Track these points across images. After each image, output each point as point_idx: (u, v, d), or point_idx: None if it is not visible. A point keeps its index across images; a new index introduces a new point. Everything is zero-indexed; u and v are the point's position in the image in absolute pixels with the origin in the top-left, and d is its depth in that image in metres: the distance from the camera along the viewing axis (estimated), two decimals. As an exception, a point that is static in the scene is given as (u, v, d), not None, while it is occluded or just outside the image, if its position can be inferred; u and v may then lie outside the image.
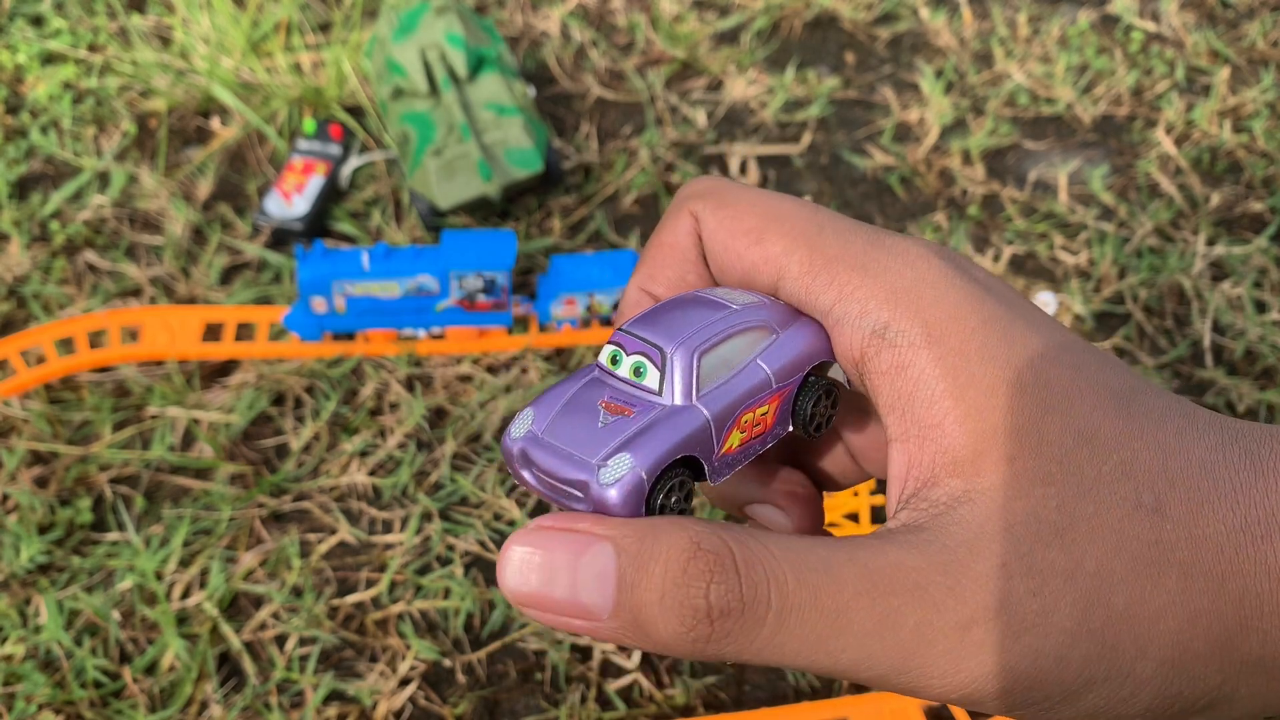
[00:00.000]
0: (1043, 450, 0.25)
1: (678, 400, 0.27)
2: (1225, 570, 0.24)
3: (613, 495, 0.26)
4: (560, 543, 0.25)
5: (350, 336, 0.96)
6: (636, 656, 0.78)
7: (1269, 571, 0.24)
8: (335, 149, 1.09)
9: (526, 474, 0.28)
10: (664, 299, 0.31)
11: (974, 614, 0.24)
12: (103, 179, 1.12)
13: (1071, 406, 0.26)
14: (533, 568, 0.25)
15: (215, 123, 1.16)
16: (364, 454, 0.90)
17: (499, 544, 0.84)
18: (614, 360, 0.28)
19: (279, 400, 0.93)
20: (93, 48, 1.25)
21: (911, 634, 0.24)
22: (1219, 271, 1.01)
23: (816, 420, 0.30)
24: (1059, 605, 0.24)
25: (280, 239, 1.04)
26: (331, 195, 1.07)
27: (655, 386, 0.27)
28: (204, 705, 0.77)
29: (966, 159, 1.11)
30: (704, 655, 0.24)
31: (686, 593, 0.24)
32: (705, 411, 0.27)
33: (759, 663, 0.24)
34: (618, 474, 0.26)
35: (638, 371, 0.28)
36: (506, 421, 0.91)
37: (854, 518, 0.83)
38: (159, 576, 0.83)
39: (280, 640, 0.80)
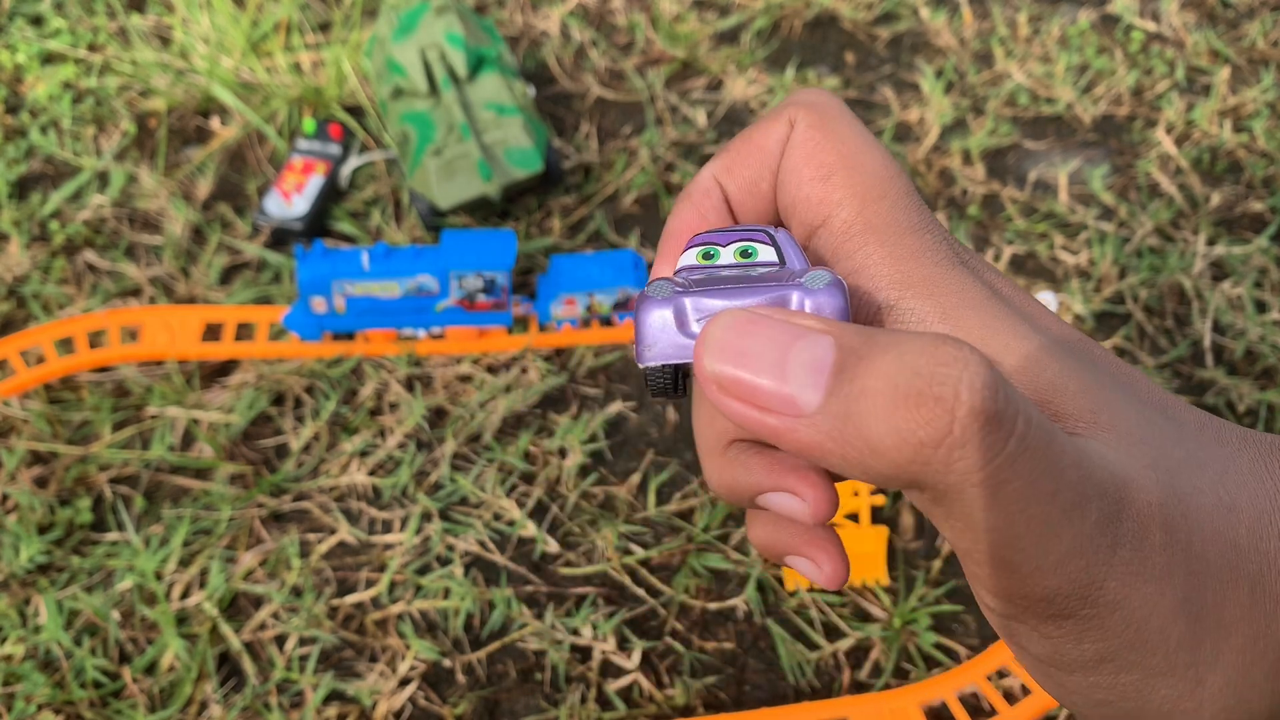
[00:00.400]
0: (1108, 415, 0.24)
1: (799, 269, 0.26)
2: None
3: (824, 299, 0.23)
4: (772, 328, 0.22)
5: (350, 336, 0.96)
6: (637, 656, 0.78)
7: None
8: (335, 149, 1.09)
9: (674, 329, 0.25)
10: (733, 194, 0.30)
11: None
12: (102, 179, 1.12)
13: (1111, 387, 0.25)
14: (738, 350, 0.22)
15: (215, 122, 1.16)
16: (364, 454, 0.90)
17: (499, 544, 0.85)
18: (707, 256, 0.27)
19: (279, 400, 0.93)
20: (92, 47, 1.25)
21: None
22: (1219, 271, 1.01)
23: None
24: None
25: (280, 239, 1.04)
26: (331, 195, 1.07)
27: (775, 259, 0.26)
28: (204, 705, 0.77)
29: (967, 159, 1.11)
30: (917, 475, 0.21)
31: (932, 377, 0.20)
32: (831, 276, 0.25)
33: (967, 512, 0.21)
34: (823, 281, 0.24)
35: (746, 254, 0.26)
36: (508, 421, 0.91)
37: (854, 518, 0.83)
38: (159, 576, 0.83)
39: (280, 640, 0.80)
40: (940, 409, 0.20)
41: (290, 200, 1.04)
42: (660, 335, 0.25)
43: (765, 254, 0.26)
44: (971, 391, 0.20)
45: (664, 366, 0.25)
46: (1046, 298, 0.98)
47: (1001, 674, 0.77)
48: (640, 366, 0.25)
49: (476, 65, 1.03)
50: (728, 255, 0.26)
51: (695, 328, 0.25)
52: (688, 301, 0.24)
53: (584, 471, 0.88)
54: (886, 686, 0.77)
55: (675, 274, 0.27)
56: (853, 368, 0.21)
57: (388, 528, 0.86)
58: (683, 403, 0.92)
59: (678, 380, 0.26)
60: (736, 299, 0.24)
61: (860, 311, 0.27)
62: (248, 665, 0.79)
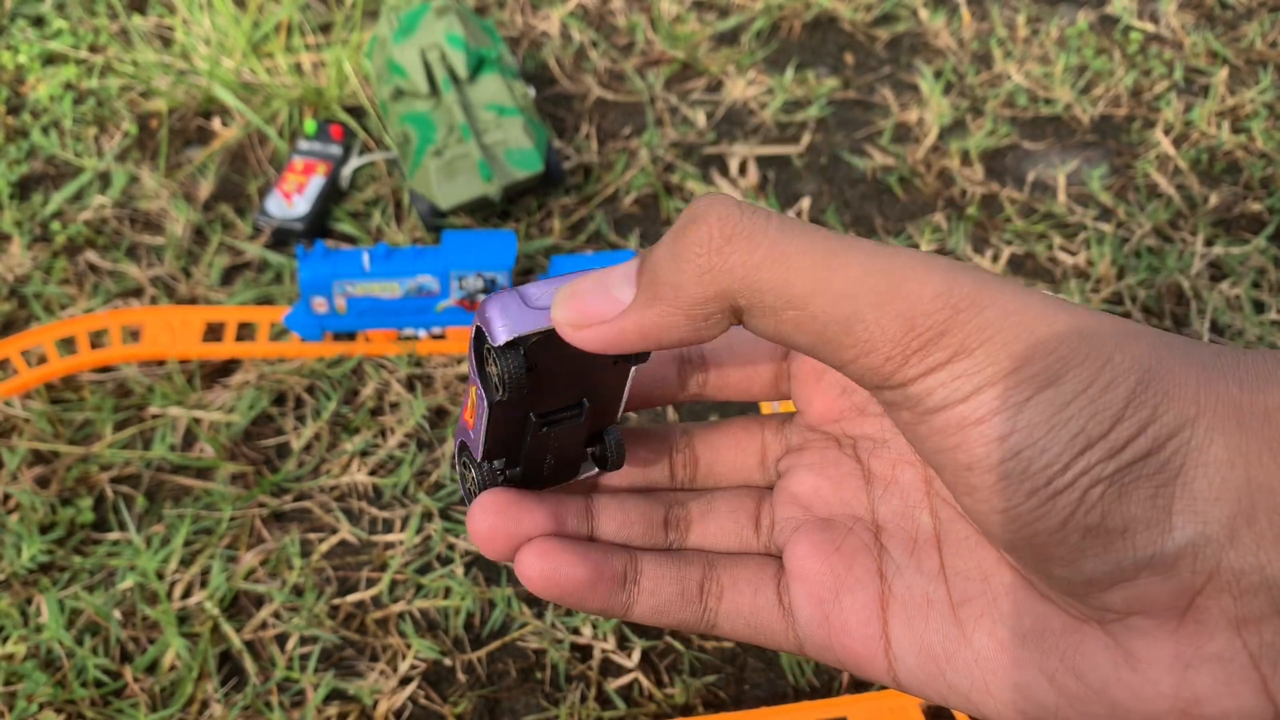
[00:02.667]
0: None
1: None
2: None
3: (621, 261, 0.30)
4: (592, 275, 0.29)
5: (351, 336, 0.96)
6: (636, 655, 0.79)
7: None
8: (336, 149, 1.09)
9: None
10: None
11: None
12: (104, 179, 1.12)
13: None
14: (578, 296, 0.28)
15: (216, 123, 1.16)
16: (365, 454, 0.90)
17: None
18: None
19: (280, 400, 0.94)
20: (94, 48, 1.25)
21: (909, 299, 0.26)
22: (1217, 272, 1.01)
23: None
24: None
25: (281, 239, 1.05)
26: (332, 195, 1.07)
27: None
28: (205, 704, 0.77)
29: (965, 159, 1.11)
30: (716, 284, 0.27)
31: (688, 217, 0.27)
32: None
33: (766, 288, 0.26)
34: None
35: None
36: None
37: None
38: (160, 576, 0.83)
39: (281, 639, 0.81)
40: (702, 226, 0.27)
41: (291, 201, 1.04)
42: (510, 315, 0.29)
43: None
44: (720, 217, 0.27)
45: (518, 346, 0.29)
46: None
47: (1000, 673, 0.77)
48: (495, 347, 0.29)
49: (477, 66, 1.03)
50: None
51: (543, 303, 0.29)
52: (530, 288, 0.29)
53: (584, 471, 0.89)
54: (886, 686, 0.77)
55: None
56: (644, 260, 0.28)
57: (389, 527, 0.86)
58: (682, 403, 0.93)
59: (524, 372, 0.29)
60: (560, 282, 0.30)
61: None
62: (249, 664, 0.79)
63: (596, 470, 0.34)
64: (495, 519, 0.31)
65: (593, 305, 0.28)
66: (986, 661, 0.29)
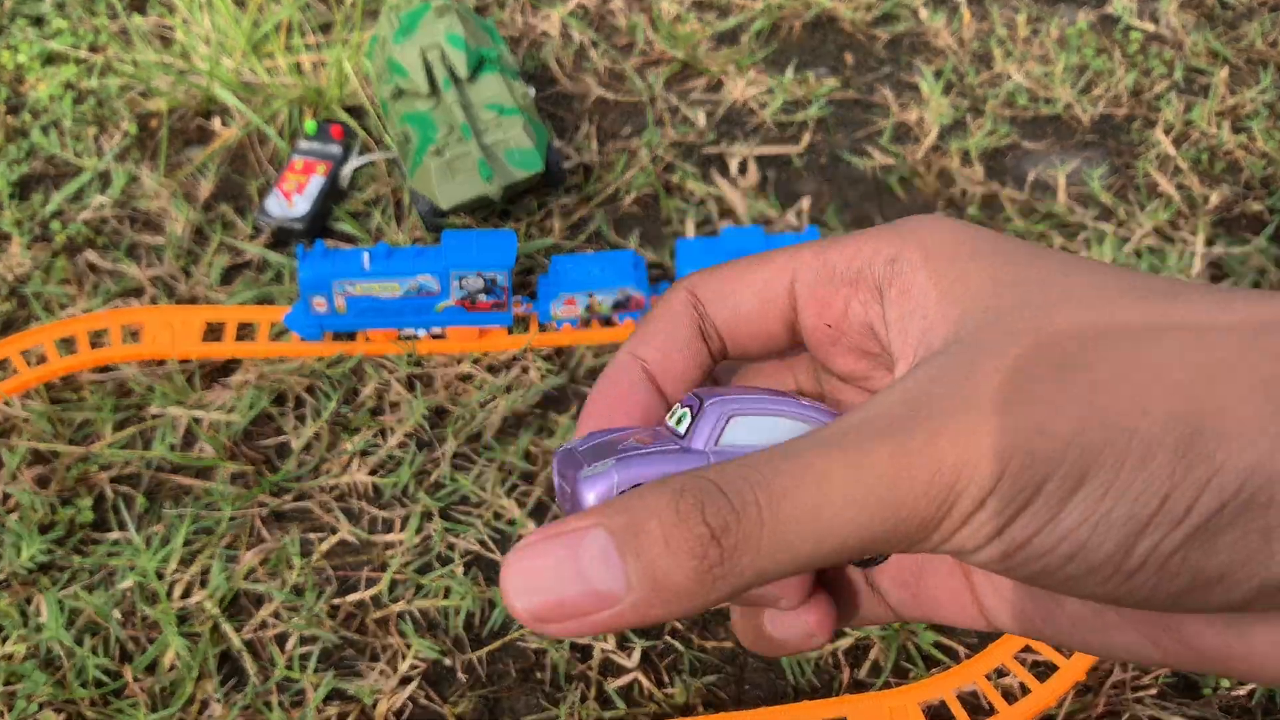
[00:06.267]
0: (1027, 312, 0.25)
1: (694, 445, 0.28)
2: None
3: (585, 491, 0.26)
4: (553, 546, 0.24)
5: (351, 336, 0.96)
6: (636, 655, 0.79)
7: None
8: (336, 149, 1.09)
9: (556, 480, 0.29)
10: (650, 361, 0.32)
11: (944, 409, 0.24)
12: (104, 179, 1.12)
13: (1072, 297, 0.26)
14: (536, 580, 0.24)
15: (216, 123, 1.16)
16: (364, 453, 0.90)
17: (499, 544, 0.85)
18: (674, 417, 0.30)
19: (280, 400, 0.94)
20: (94, 48, 1.25)
21: (888, 462, 0.24)
22: (1218, 272, 1.01)
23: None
24: (1044, 384, 0.24)
25: (281, 239, 1.05)
26: (332, 195, 1.07)
27: (683, 430, 0.28)
28: (204, 704, 0.77)
29: (965, 159, 1.11)
30: (723, 588, 0.24)
31: (688, 526, 0.23)
32: (711, 459, 0.27)
33: (775, 571, 0.24)
34: (595, 472, 0.26)
35: (679, 420, 0.29)
36: (508, 421, 0.92)
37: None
38: (160, 575, 0.83)
39: (281, 639, 0.81)
40: (705, 543, 0.23)
41: (291, 200, 1.04)
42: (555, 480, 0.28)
43: (683, 425, 0.29)
44: (714, 515, 0.23)
45: None
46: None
47: (1001, 673, 0.77)
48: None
49: (477, 66, 1.03)
50: (674, 418, 0.29)
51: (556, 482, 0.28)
52: (559, 459, 0.28)
53: (584, 471, 0.89)
54: (886, 685, 0.77)
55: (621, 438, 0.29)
56: (633, 543, 0.24)
57: (388, 527, 0.86)
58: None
59: None
60: (566, 466, 0.28)
61: (874, 273, 0.29)
62: (249, 664, 0.79)
63: None
64: None
65: (569, 600, 0.24)
66: (1083, 623, 0.28)
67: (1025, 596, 0.29)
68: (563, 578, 0.24)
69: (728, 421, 0.28)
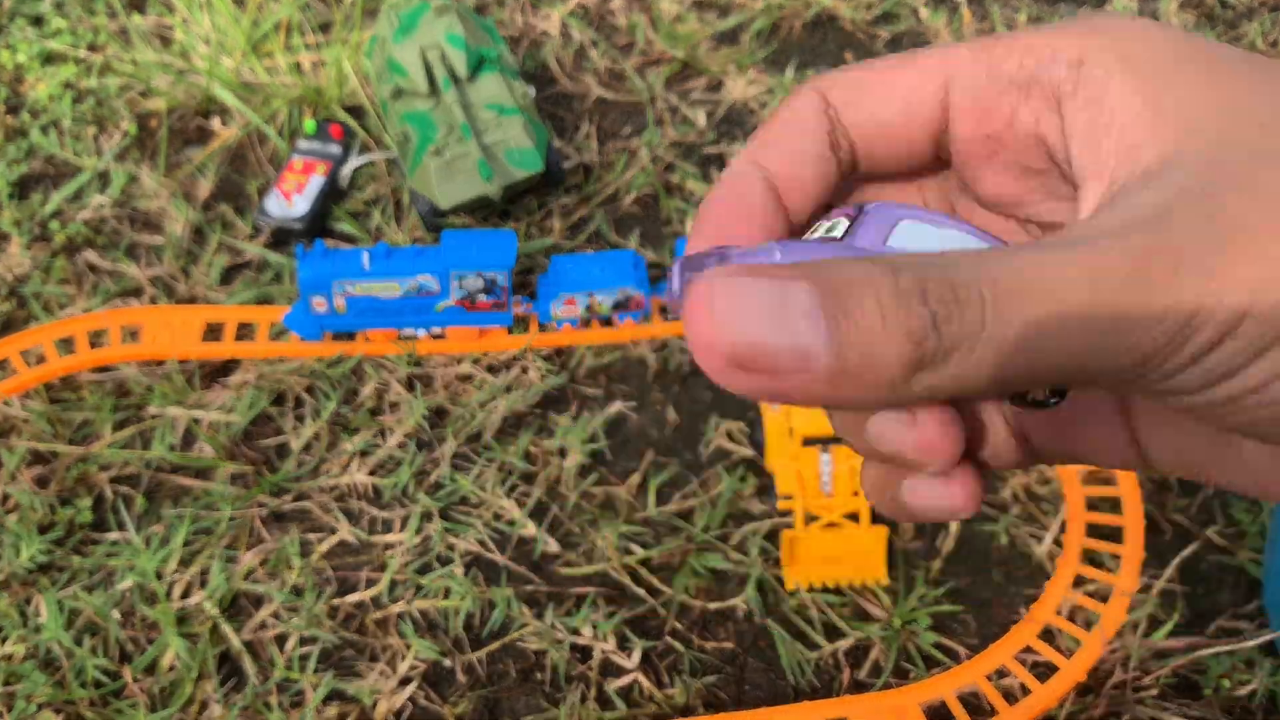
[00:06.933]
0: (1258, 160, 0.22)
1: (858, 244, 0.25)
2: None
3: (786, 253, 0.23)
4: (762, 286, 0.21)
5: (350, 336, 0.96)
6: (637, 655, 0.79)
7: None
8: (335, 149, 1.09)
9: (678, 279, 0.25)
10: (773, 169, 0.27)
11: (1185, 238, 0.21)
12: (103, 179, 1.12)
13: None
14: (742, 318, 0.20)
15: (216, 123, 1.16)
16: (364, 453, 0.90)
17: (499, 544, 0.85)
18: (822, 229, 0.26)
19: (279, 400, 0.94)
20: (93, 47, 1.25)
21: (1124, 284, 0.21)
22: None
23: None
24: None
25: (281, 239, 1.04)
26: (332, 195, 1.07)
27: (840, 234, 0.25)
28: (204, 705, 0.77)
29: (966, 159, 1.11)
30: (920, 386, 0.21)
31: (910, 305, 0.20)
32: (881, 250, 0.24)
33: (975, 383, 0.21)
34: (752, 252, 0.24)
35: (830, 230, 0.26)
36: (508, 421, 0.91)
37: (854, 517, 0.83)
38: (159, 576, 0.83)
39: (280, 640, 0.80)
40: (925, 327, 0.20)
41: (291, 200, 1.04)
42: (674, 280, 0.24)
43: (839, 230, 0.25)
44: (936, 297, 0.20)
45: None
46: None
47: (1001, 674, 0.77)
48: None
49: (477, 65, 1.03)
50: (823, 228, 0.26)
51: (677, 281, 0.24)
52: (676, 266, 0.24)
53: (584, 471, 0.89)
54: (886, 686, 0.77)
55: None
56: (846, 307, 0.21)
57: (388, 527, 0.86)
58: (683, 403, 0.93)
59: None
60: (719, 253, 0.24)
61: (1052, 76, 0.25)
62: (248, 665, 0.79)
63: None
64: None
65: (771, 349, 0.21)
66: (1258, 467, 0.26)
67: (1202, 440, 0.26)
68: (771, 322, 0.21)
69: (895, 224, 0.25)
